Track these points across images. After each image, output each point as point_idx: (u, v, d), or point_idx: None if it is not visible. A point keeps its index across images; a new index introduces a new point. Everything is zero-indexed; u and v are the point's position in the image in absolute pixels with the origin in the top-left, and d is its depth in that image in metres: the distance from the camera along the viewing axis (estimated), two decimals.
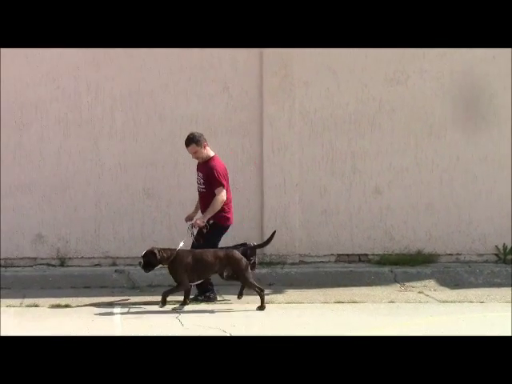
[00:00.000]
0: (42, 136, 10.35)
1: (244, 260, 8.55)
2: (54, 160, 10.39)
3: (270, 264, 10.51)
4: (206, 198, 8.94)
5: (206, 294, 8.89)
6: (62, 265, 10.25)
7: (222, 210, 8.89)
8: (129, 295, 9.21)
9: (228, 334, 7.28)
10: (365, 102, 10.79)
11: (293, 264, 10.59)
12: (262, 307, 8.48)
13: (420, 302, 8.97)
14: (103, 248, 10.45)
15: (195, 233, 8.85)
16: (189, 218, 9.12)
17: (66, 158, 10.40)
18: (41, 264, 10.29)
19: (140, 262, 8.61)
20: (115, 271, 10.12)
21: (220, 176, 8.84)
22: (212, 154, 9.06)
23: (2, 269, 10.10)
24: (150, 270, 8.65)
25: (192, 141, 8.93)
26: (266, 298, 9.05)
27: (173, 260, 8.47)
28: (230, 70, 10.55)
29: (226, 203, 8.95)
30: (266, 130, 10.69)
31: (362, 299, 9.08)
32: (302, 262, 10.67)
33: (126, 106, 10.50)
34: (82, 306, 8.58)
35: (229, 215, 9.04)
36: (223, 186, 8.83)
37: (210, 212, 8.78)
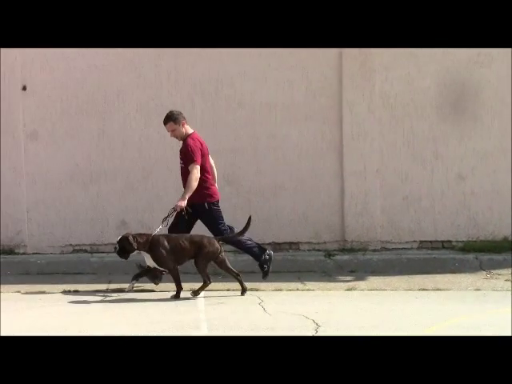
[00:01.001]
0: (124, 124, 10.49)
1: (215, 249, 8.36)
2: (136, 147, 10.52)
3: (351, 250, 10.46)
4: (184, 174, 8.74)
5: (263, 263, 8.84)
6: None
7: (204, 187, 8.70)
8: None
9: (311, 321, 7.26)
10: (447, 85, 10.60)
11: (374, 251, 10.51)
12: (196, 292, 8.33)
13: (507, 290, 8.73)
14: None
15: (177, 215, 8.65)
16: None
17: (148, 146, 10.51)
18: None
19: (115, 248, 8.44)
20: None
21: (193, 152, 8.59)
22: (190, 131, 8.83)
23: (89, 254, 10.32)
24: (126, 257, 8.43)
25: (170, 119, 8.76)
26: (349, 284, 9.06)
27: (151, 246, 8.29)
28: (308, 56, 10.47)
29: (205, 179, 8.72)
30: (346, 115, 10.61)
31: (446, 286, 8.93)
32: (383, 249, 10.58)
33: (206, 93, 10.55)
34: (165, 291, 8.66)
35: (211, 191, 8.82)
36: (196, 162, 8.57)
37: (188, 191, 8.56)
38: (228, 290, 8.71)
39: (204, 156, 8.78)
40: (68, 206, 10.47)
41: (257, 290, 8.67)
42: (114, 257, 10.05)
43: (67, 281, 9.19)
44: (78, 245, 10.49)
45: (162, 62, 10.43)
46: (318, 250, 10.57)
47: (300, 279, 9.23)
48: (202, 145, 8.79)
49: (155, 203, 10.51)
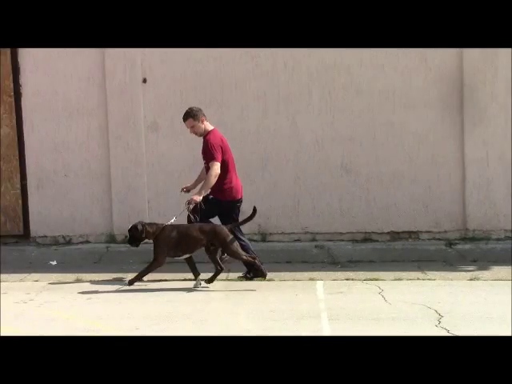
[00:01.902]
0: (241, 114, 10.55)
1: (230, 236, 8.33)
2: (253, 137, 10.57)
3: (473, 239, 10.21)
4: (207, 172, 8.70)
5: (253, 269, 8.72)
6: (263, 240, 10.45)
7: (223, 184, 8.60)
8: (329, 270, 9.20)
9: (433, 311, 7.11)
10: None
11: (498, 239, 10.22)
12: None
13: None
14: (303, 224, 10.53)
15: (191, 208, 8.56)
16: (186, 189, 8.97)
17: (265, 135, 10.54)
18: None
19: (126, 237, 8.58)
20: (315, 246, 10.19)
21: (213, 150, 8.51)
22: (210, 128, 8.76)
23: None
24: (136, 245, 8.52)
25: (189, 115, 8.69)
26: (472, 273, 8.82)
27: (158, 235, 8.37)
28: None
29: (225, 175, 8.58)
30: (467, 101, 10.33)
31: None
32: (507, 238, 10.26)
33: (323, 81, 10.49)
34: (285, 280, 8.68)
35: (231, 191, 8.69)
36: (216, 159, 8.48)
37: (205, 187, 8.53)
38: (347, 280, 8.64)
39: (225, 152, 8.67)
40: (188, 196, 10.61)
41: (377, 279, 8.56)
42: None
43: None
44: None
45: (279, 51, 10.41)
46: (439, 239, 10.36)
47: (420, 268, 9.06)
48: (222, 141, 8.70)
49: (273, 193, 10.55)
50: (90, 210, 10.72)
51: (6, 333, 6.56)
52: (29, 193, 10.74)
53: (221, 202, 8.67)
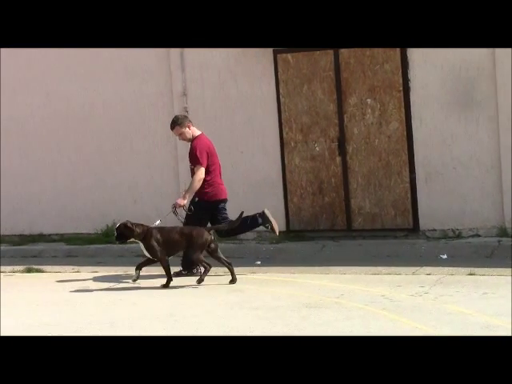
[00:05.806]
0: None
1: (204, 240, 8.59)
2: None
3: None
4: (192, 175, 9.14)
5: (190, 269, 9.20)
6: None
7: (204, 187, 9.00)
8: None
9: None
10: None
11: None
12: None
13: None
14: None
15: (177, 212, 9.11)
16: None
17: None
18: None
19: (113, 234, 8.97)
20: None
21: (199, 154, 8.90)
22: (197, 133, 9.14)
23: None
24: (123, 242, 9.09)
25: (175, 123, 9.08)
26: None
27: (145, 237, 8.74)
28: None
29: (207, 180, 8.97)
30: None
31: None
32: None
33: None
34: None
35: (208, 191, 9.04)
36: (201, 164, 8.89)
37: (189, 191, 8.99)
38: None
39: (211, 157, 9.06)
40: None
41: None
42: None
43: None
44: None
45: None
46: None
47: None
48: (208, 146, 9.07)
49: None
50: (480, 202, 10.49)
51: (401, 324, 6.68)
52: (417, 186, 10.80)
53: (207, 203, 9.05)
